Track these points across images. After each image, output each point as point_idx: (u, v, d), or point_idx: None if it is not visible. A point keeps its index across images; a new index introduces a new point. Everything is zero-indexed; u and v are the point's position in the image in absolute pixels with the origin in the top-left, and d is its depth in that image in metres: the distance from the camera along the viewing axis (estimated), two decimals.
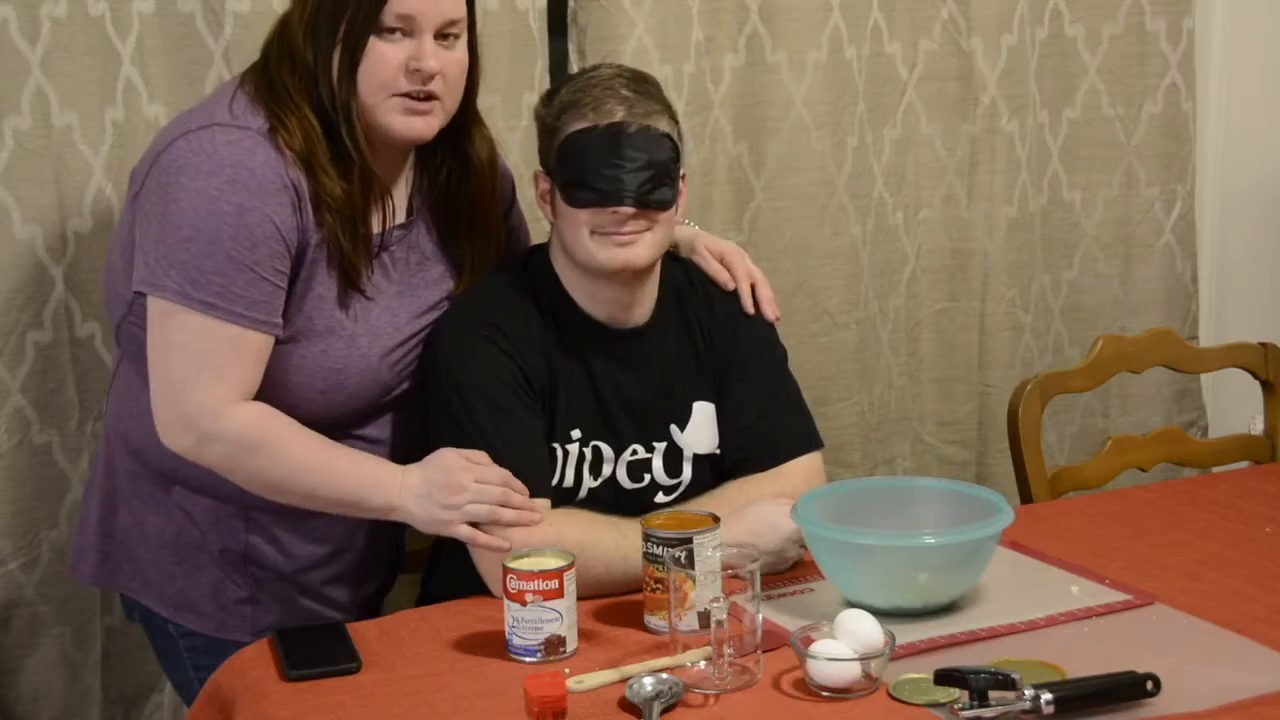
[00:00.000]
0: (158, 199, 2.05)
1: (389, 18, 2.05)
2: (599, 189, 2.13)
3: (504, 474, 2.08)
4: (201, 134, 2.05)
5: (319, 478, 2.09)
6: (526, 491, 2.09)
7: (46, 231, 2.41)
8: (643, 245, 2.16)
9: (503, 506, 2.05)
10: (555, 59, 2.82)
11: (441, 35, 2.09)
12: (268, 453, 2.06)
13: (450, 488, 2.06)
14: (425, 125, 2.11)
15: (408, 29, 2.07)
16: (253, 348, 2.05)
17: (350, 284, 2.12)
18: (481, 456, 2.09)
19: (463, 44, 2.13)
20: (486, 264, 2.27)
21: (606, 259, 2.16)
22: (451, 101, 2.14)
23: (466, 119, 2.21)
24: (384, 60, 2.06)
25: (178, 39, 2.49)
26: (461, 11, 2.11)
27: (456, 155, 2.22)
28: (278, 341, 2.08)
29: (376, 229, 2.14)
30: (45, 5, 2.36)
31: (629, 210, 2.14)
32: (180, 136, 2.06)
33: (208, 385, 2.03)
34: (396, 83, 2.07)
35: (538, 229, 2.40)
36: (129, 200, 2.13)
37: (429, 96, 2.09)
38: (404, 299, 2.20)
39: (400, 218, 2.19)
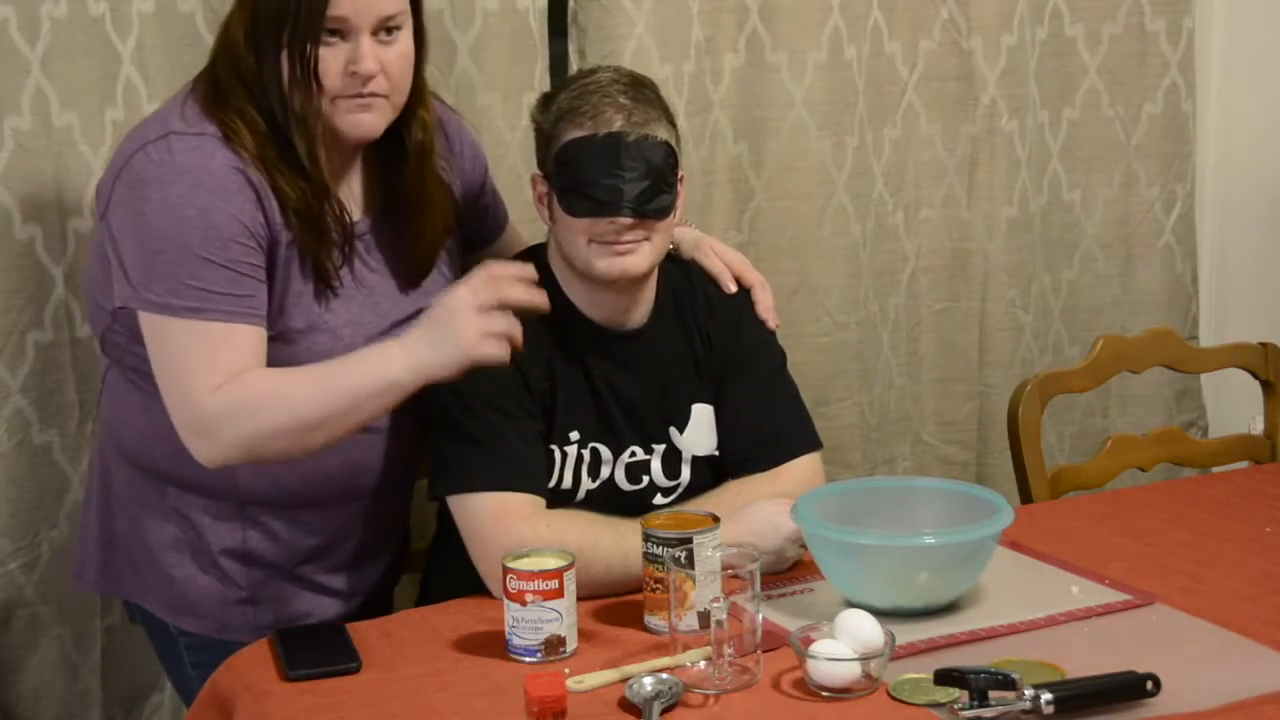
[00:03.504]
0: (126, 214, 2.05)
1: (325, 22, 2.03)
2: (597, 199, 2.13)
3: (486, 273, 1.99)
4: (159, 144, 2.05)
5: (326, 400, 2.02)
6: (520, 268, 2.01)
7: (46, 231, 2.41)
8: (641, 254, 2.16)
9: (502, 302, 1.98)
10: (555, 59, 2.82)
11: (382, 30, 2.06)
12: (264, 406, 2.01)
13: (450, 311, 1.98)
14: (373, 121, 2.09)
15: (344, 31, 2.04)
16: (244, 340, 2.04)
17: (322, 281, 2.11)
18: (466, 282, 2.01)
19: (405, 33, 2.10)
20: (427, 248, 2.23)
21: (605, 268, 2.16)
22: (399, 96, 2.11)
23: (411, 102, 2.16)
24: (324, 66, 2.04)
25: (178, 39, 2.49)
26: (397, 6, 2.07)
27: (397, 140, 2.18)
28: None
29: (350, 220, 2.14)
30: (45, 5, 2.37)
31: (627, 220, 2.14)
32: (139, 150, 2.06)
33: (198, 384, 2.02)
34: (336, 87, 2.06)
35: (535, 230, 2.40)
36: (98, 217, 2.13)
37: (373, 94, 2.07)
38: (382, 286, 2.19)
39: (359, 209, 2.17)
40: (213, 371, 2.02)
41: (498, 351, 1.98)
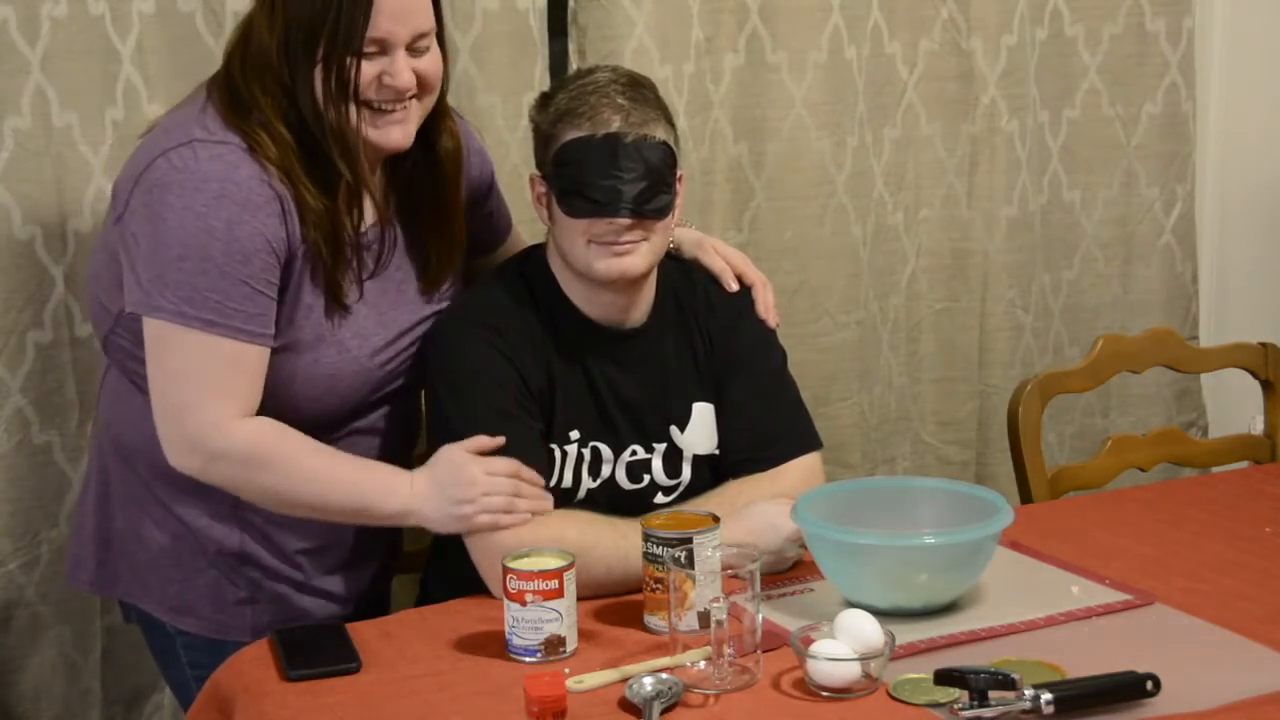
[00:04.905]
0: (145, 219, 2.04)
1: (365, 42, 2.04)
2: (596, 200, 2.13)
3: (512, 464, 2.09)
4: (183, 150, 2.04)
5: (326, 489, 2.09)
6: (538, 478, 2.11)
7: (46, 231, 2.41)
8: (639, 254, 2.16)
9: (515, 497, 2.08)
10: (555, 59, 2.82)
11: (413, 45, 2.08)
12: (274, 468, 2.07)
13: (461, 483, 2.07)
14: (403, 134, 2.11)
15: (381, 49, 2.06)
16: (253, 362, 2.05)
17: (333, 296, 2.12)
18: (484, 443, 2.10)
19: (434, 43, 2.12)
20: (451, 257, 2.25)
21: (604, 269, 2.16)
22: (430, 99, 2.13)
23: (435, 111, 2.19)
24: (360, 79, 2.06)
25: (178, 39, 2.49)
26: (430, 22, 2.10)
27: (424, 148, 2.20)
28: (271, 352, 2.08)
29: (360, 228, 2.14)
30: (45, 5, 2.37)
31: (626, 221, 2.14)
32: (161, 155, 2.05)
33: (210, 405, 2.03)
34: (369, 97, 2.07)
35: (535, 229, 2.40)
36: (112, 219, 2.12)
37: (403, 105, 2.09)
38: (388, 296, 2.19)
39: (372, 217, 2.17)
40: (225, 395, 2.04)
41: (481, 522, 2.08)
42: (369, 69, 2.06)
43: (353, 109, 2.06)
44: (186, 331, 2.02)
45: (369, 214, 2.16)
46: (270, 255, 2.04)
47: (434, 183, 2.22)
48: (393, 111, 2.09)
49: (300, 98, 2.06)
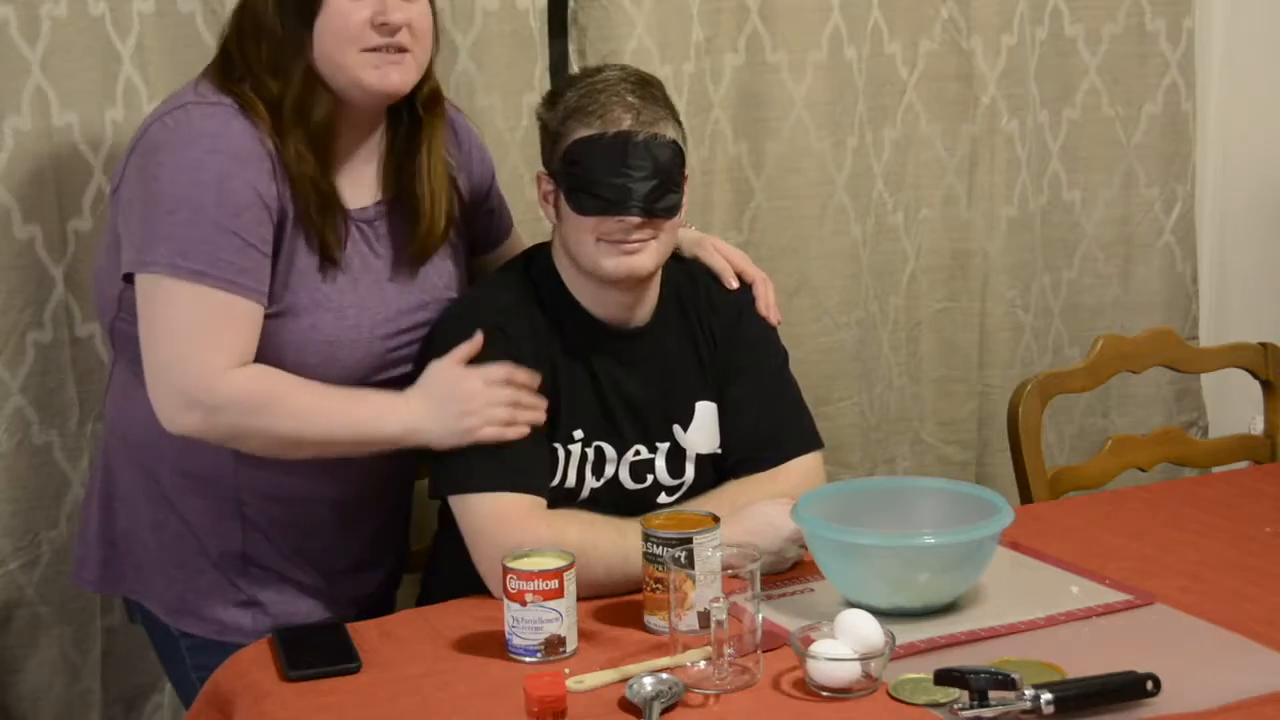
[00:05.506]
0: (138, 181, 2.06)
1: None
2: (606, 198, 2.13)
3: (505, 370, 2.10)
4: (176, 113, 2.07)
5: (325, 423, 2.09)
6: (532, 379, 2.12)
7: (46, 231, 2.41)
8: (648, 253, 2.17)
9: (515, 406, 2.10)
10: (555, 59, 2.82)
11: None
12: (273, 408, 2.06)
13: (461, 397, 2.08)
14: (401, 76, 2.10)
15: None
16: (244, 315, 2.05)
17: (327, 257, 2.12)
18: (467, 352, 2.11)
19: None
20: (437, 219, 2.23)
21: (612, 267, 2.16)
22: (423, 54, 2.13)
23: (423, 78, 2.19)
24: (344, 14, 2.06)
25: (178, 39, 2.49)
26: None
27: (409, 106, 2.20)
28: (268, 318, 2.08)
29: (360, 204, 2.15)
30: (45, 5, 2.37)
31: (635, 220, 2.14)
32: (155, 121, 2.08)
33: (203, 357, 2.03)
34: (363, 37, 2.07)
35: (533, 229, 2.40)
36: (109, 197, 2.14)
37: (399, 49, 2.09)
38: (389, 273, 2.19)
39: (371, 194, 2.18)
40: (218, 347, 2.03)
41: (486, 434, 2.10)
42: (359, 9, 2.06)
43: (351, 55, 2.07)
44: (178, 284, 2.02)
45: (368, 191, 2.16)
46: (262, 209, 2.05)
47: (417, 134, 2.20)
48: (389, 51, 2.08)
49: (303, 55, 2.07)
